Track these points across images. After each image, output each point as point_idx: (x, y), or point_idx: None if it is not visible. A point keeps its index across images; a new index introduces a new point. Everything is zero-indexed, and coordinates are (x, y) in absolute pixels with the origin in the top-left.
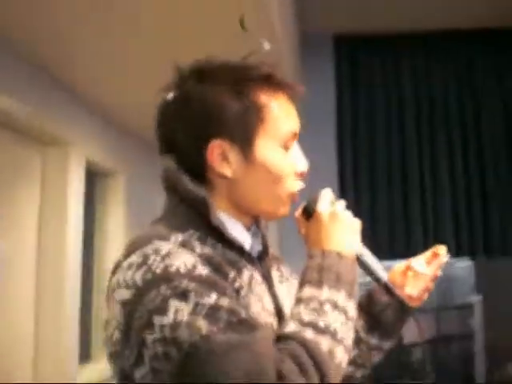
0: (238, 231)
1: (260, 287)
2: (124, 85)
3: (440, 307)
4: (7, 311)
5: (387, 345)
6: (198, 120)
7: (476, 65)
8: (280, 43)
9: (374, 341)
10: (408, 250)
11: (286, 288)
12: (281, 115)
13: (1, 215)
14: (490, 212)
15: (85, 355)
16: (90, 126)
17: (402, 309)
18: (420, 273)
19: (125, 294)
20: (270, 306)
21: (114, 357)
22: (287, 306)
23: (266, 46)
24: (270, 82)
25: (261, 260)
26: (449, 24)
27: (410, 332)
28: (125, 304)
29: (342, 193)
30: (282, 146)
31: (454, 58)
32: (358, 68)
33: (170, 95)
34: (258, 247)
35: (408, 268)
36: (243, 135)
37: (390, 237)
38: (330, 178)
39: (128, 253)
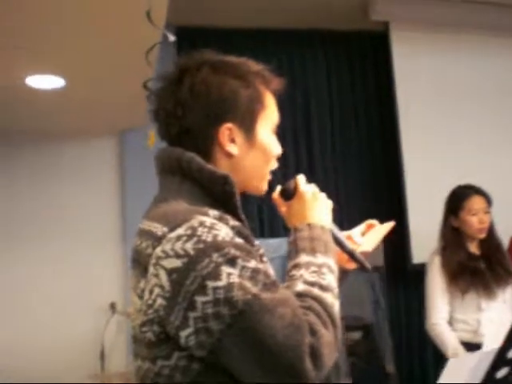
0: None
1: None
2: None
3: None
4: None
5: None
6: (216, 104)
7: (305, 62)
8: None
9: None
10: None
11: None
12: (272, 105)
13: None
14: None
15: None
16: None
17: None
18: (357, 242)
19: (175, 262)
20: None
21: (154, 322)
22: None
23: (171, 38)
24: (264, 76)
25: None
26: (282, 23)
27: None
28: (174, 272)
29: None
30: (271, 131)
31: (286, 53)
32: None
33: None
34: None
35: (348, 237)
36: (249, 119)
37: None
38: None
39: (173, 226)
